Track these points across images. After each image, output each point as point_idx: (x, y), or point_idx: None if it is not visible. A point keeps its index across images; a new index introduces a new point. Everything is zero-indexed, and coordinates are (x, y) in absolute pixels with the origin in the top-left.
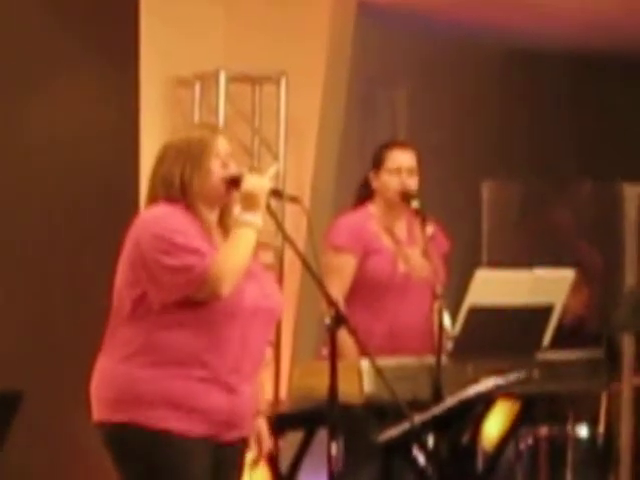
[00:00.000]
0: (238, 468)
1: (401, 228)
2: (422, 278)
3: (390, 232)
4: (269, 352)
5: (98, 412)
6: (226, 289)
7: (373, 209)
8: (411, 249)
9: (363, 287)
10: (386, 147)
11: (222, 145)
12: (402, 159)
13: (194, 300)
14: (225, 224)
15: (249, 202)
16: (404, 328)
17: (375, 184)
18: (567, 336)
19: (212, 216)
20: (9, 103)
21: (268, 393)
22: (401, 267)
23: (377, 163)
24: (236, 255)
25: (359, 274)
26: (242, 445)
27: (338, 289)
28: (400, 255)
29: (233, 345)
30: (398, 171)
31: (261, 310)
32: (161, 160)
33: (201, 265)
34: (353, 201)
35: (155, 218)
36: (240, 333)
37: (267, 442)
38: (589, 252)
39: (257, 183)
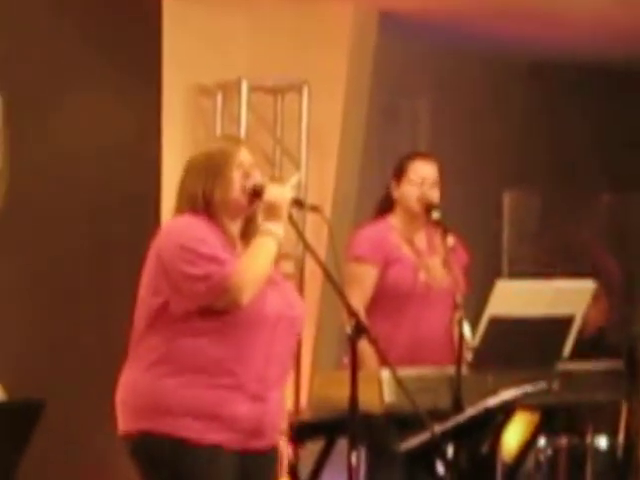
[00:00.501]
0: (269, 477)
1: (421, 239)
2: (443, 288)
3: (410, 243)
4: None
5: (123, 422)
6: (246, 298)
7: (393, 220)
8: (431, 259)
9: (384, 297)
10: (408, 158)
11: (244, 156)
12: (424, 171)
13: (215, 309)
14: (248, 235)
15: (271, 212)
16: (425, 338)
17: (396, 194)
18: (587, 347)
19: (235, 227)
20: (34, 114)
21: (289, 402)
22: (422, 277)
23: (399, 174)
24: (257, 264)
25: (380, 284)
26: (272, 454)
27: (359, 299)
28: (421, 265)
29: (257, 353)
30: (420, 182)
31: (284, 318)
32: (185, 175)
33: (221, 273)
34: (374, 212)
35: (177, 228)
36: (264, 341)
37: (285, 456)
38: (609, 263)
39: (279, 193)
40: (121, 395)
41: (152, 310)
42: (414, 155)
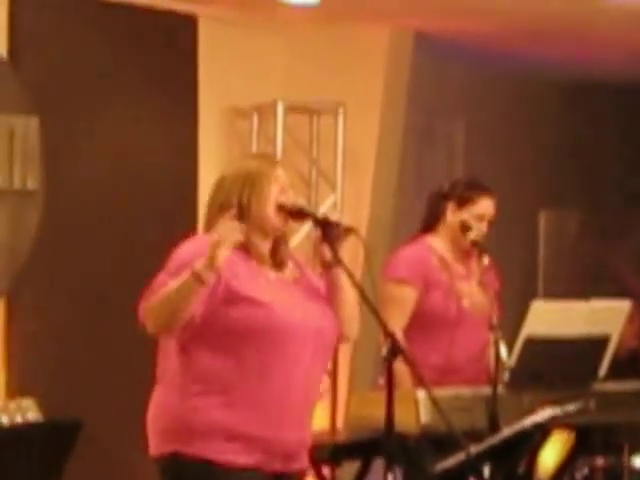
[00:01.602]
0: None
1: (459, 262)
2: (479, 310)
3: (450, 265)
4: (326, 381)
5: (153, 444)
6: (149, 327)
7: (434, 241)
8: (468, 282)
9: (421, 320)
10: (477, 190)
11: (280, 173)
12: (491, 209)
13: (241, 328)
14: (278, 255)
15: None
16: (460, 361)
17: (451, 217)
18: (621, 367)
19: (265, 245)
20: (70, 136)
21: (325, 422)
22: (460, 301)
23: (462, 201)
24: (170, 299)
25: (418, 307)
26: (299, 476)
27: (397, 321)
28: (459, 289)
29: (281, 373)
30: (482, 219)
31: (311, 337)
32: (219, 188)
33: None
34: (420, 229)
35: (185, 244)
36: (290, 360)
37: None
38: (637, 284)
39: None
40: (150, 417)
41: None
42: (483, 189)
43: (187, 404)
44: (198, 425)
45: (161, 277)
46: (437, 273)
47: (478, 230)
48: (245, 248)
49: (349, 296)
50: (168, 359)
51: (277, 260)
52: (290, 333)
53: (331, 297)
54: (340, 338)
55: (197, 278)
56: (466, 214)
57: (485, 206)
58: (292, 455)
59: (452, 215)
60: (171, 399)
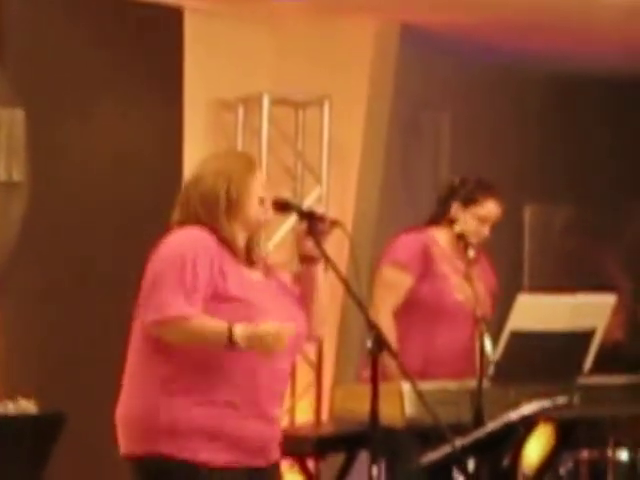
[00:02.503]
0: None
1: (459, 258)
2: (470, 304)
3: (450, 260)
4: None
5: (125, 444)
6: (167, 339)
7: (438, 234)
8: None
9: (416, 310)
10: (485, 191)
11: (260, 172)
12: (494, 212)
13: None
14: (250, 249)
15: (252, 336)
16: (447, 352)
17: (456, 215)
18: (606, 359)
19: (241, 237)
20: (55, 128)
21: (310, 415)
22: (456, 295)
23: (468, 200)
24: (197, 337)
25: (413, 296)
26: (275, 469)
27: (390, 304)
28: (457, 283)
29: (264, 370)
30: (484, 220)
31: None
32: (199, 181)
33: (171, 313)
34: (425, 222)
35: (174, 244)
36: (270, 358)
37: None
38: (620, 279)
39: (272, 332)
40: (123, 415)
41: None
42: (491, 191)
43: (166, 403)
44: (176, 423)
45: (174, 294)
46: (436, 264)
47: (479, 232)
48: (229, 244)
49: (323, 296)
50: (138, 355)
51: (250, 258)
52: None
53: (306, 295)
54: (310, 338)
55: (231, 342)
56: (470, 214)
57: (489, 208)
58: (269, 450)
59: (456, 212)
60: (145, 398)
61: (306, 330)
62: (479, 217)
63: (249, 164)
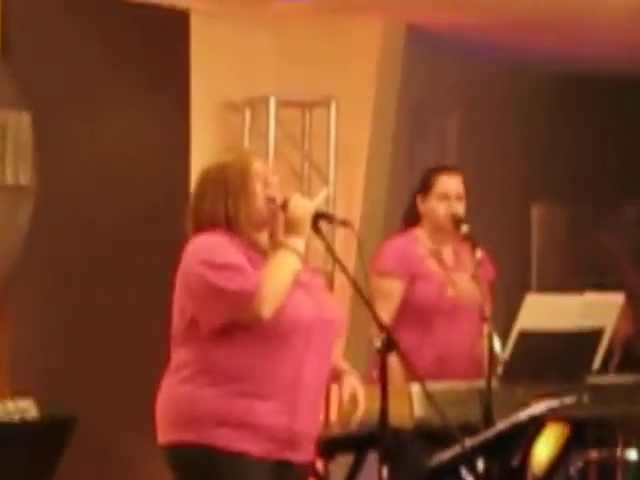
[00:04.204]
0: None
1: (448, 253)
2: (470, 303)
3: (437, 256)
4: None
5: (161, 433)
6: (267, 313)
7: (420, 233)
8: (459, 274)
9: (411, 312)
10: (434, 172)
11: (259, 165)
12: (450, 185)
13: (239, 323)
14: (276, 244)
15: (293, 226)
16: (452, 353)
17: (422, 208)
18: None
19: (262, 237)
20: (61, 132)
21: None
22: (449, 292)
23: (425, 187)
24: (277, 279)
25: (407, 299)
26: (306, 468)
27: (385, 314)
28: (448, 280)
29: (291, 363)
30: (447, 197)
31: (318, 323)
32: (200, 192)
33: (245, 287)
34: (400, 225)
35: (201, 246)
36: (297, 349)
37: (362, 399)
38: (631, 275)
39: (301, 207)
40: (158, 406)
41: (181, 327)
42: (439, 169)
43: (194, 394)
44: (201, 414)
45: (228, 280)
46: (423, 264)
47: (449, 208)
48: (252, 247)
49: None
50: (175, 351)
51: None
52: (297, 321)
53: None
54: None
55: (297, 254)
56: (433, 200)
57: (444, 183)
58: (297, 444)
59: (423, 206)
60: (179, 390)
61: (340, 320)
62: (439, 196)
63: (243, 168)
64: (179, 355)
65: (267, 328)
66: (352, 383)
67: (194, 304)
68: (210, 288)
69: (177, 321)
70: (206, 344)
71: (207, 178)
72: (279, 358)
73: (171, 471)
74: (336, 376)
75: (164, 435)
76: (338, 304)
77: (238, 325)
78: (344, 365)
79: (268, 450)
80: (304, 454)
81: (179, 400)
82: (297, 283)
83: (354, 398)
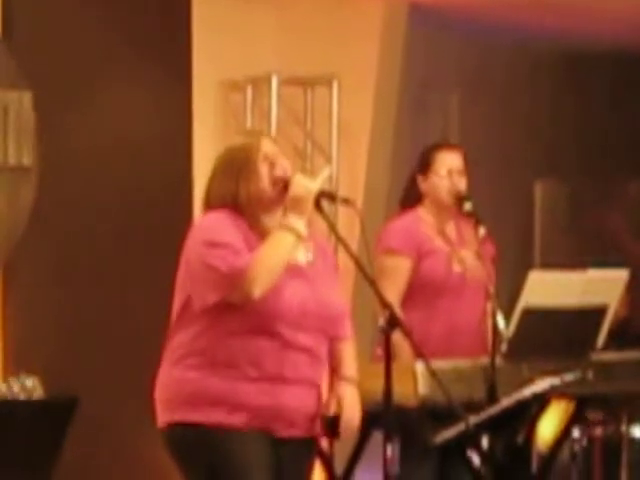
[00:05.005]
0: (301, 466)
1: (451, 230)
2: (476, 279)
3: (442, 234)
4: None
5: (158, 415)
6: (258, 291)
7: (422, 212)
8: (463, 251)
9: (418, 289)
10: (434, 149)
11: (267, 146)
12: (451, 161)
13: (229, 302)
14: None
15: (295, 205)
16: (458, 330)
17: (423, 187)
18: (611, 338)
19: (271, 220)
20: (63, 110)
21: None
22: (456, 268)
23: (425, 165)
24: (271, 258)
25: (414, 277)
26: (305, 444)
27: (393, 293)
28: (454, 256)
29: (279, 346)
30: (448, 173)
31: (310, 310)
32: (212, 175)
33: (235, 264)
34: (400, 205)
35: (202, 225)
36: (288, 333)
37: (348, 410)
38: (636, 250)
39: (303, 186)
40: (156, 389)
41: (179, 306)
42: (439, 146)
43: (183, 376)
44: (193, 395)
45: (222, 258)
46: (428, 241)
47: (454, 187)
48: (254, 229)
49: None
50: (171, 335)
51: None
52: (283, 307)
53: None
54: None
55: (295, 233)
56: (434, 177)
57: (446, 161)
58: (290, 421)
59: (424, 185)
60: (171, 372)
61: (343, 315)
62: (440, 174)
63: (252, 151)
64: (174, 338)
65: (255, 313)
66: (343, 393)
67: (190, 281)
68: (203, 265)
69: (176, 300)
70: (198, 325)
71: (219, 159)
72: (265, 343)
73: (168, 453)
74: (338, 378)
75: (160, 417)
76: (339, 290)
77: (230, 306)
78: (348, 371)
79: (261, 428)
80: (300, 430)
81: (171, 382)
82: (294, 270)
83: (339, 406)
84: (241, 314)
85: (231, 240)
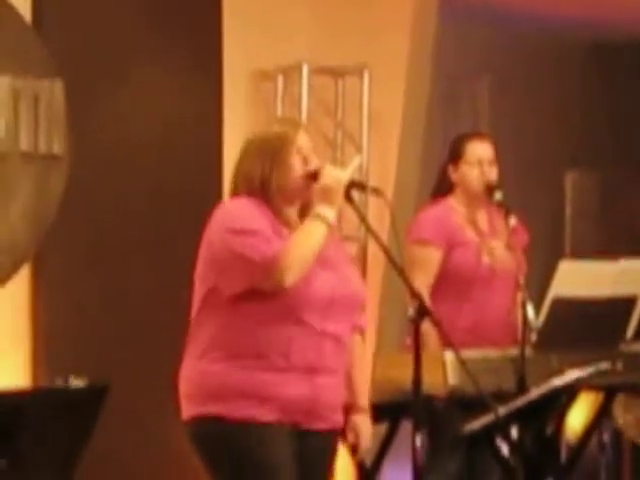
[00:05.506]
0: (326, 459)
1: (482, 220)
2: (506, 270)
3: (473, 224)
4: (359, 340)
5: (183, 408)
6: (290, 280)
7: (453, 202)
8: (494, 241)
9: (447, 280)
10: (465, 139)
11: (303, 140)
12: (482, 151)
13: (260, 290)
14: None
15: (325, 195)
16: (487, 320)
17: (454, 177)
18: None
19: (292, 211)
20: (98, 98)
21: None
22: (485, 259)
23: (456, 156)
24: (303, 247)
25: (443, 267)
26: (330, 437)
27: (423, 283)
28: (484, 247)
29: (308, 334)
30: (479, 163)
31: (338, 299)
32: (243, 157)
33: (268, 253)
34: (431, 196)
35: (227, 211)
36: (317, 322)
37: (365, 439)
38: None
39: (334, 177)
40: (180, 383)
41: (201, 297)
42: (470, 136)
43: (209, 369)
44: (220, 388)
45: (251, 245)
46: (460, 232)
47: (483, 177)
48: (278, 217)
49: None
50: (193, 327)
51: None
52: (314, 296)
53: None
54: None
55: (327, 223)
56: (465, 167)
57: (476, 150)
58: (317, 414)
59: (455, 175)
60: (195, 366)
61: (361, 294)
62: (471, 164)
63: (288, 138)
64: (197, 330)
65: (284, 301)
66: (365, 427)
67: (217, 270)
68: (232, 253)
69: (198, 290)
70: (223, 317)
71: (251, 143)
72: (295, 331)
73: (193, 447)
74: (350, 408)
75: (185, 411)
76: (360, 281)
77: (258, 296)
78: (362, 400)
79: (287, 420)
80: (326, 423)
81: (195, 375)
82: (323, 259)
83: (356, 436)
84: (270, 304)
85: (260, 227)
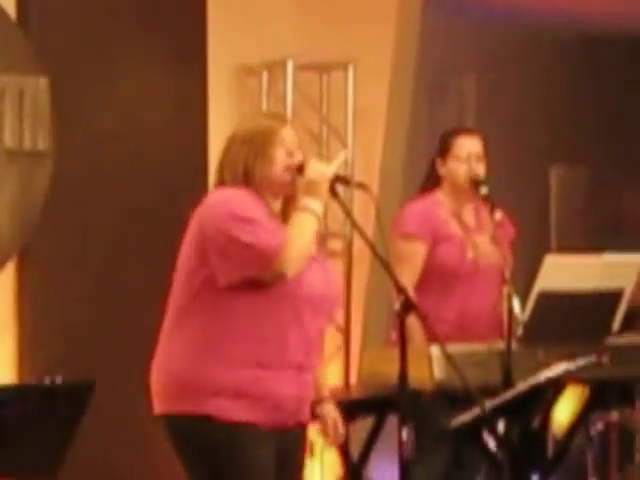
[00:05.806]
0: (300, 453)
1: (469, 214)
2: (490, 265)
3: (459, 219)
4: (336, 339)
5: (161, 403)
6: (292, 271)
7: (441, 196)
8: (480, 235)
9: (432, 274)
10: (453, 134)
11: (288, 134)
12: (469, 145)
13: (257, 281)
14: (287, 215)
15: (310, 189)
16: (472, 315)
17: (442, 171)
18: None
19: (276, 205)
20: (83, 94)
21: (339, 379)
22: (470, 254)
23: (444, 150)
24: (301, 239)
25: (428, 262)
26: (302, 430)
27: (408, 277)
28: (469, 242)
29: (292, 332)
30: (466, 158)
31: (325, 298)
32: (227, 149)
33: (271, 242)
34: (419, 190)
35: (224, 198)
36: (304, 320)
37: (340, 428)
38: None
39: (319, 170)
40: (159, 377)
41: (193, 288)
42: (458, 131)
43: (195, 365)
44: (206, 385)
45: (255, 233)
46: (444, 226)
47: (471, 171)
48: (264, 204)
49: None
50: (176, 319)
51: (287, 219)
52: (307, 293)
53: None
54: None
55: (316, 215)
56: (453, 161)
57: (465, 145)
58: (301, 411)
59: (443, 169)
60: (179, 361)
61: (339, 299)
62: (459, 158)
63: (274, 131)
64: (180, 324)
65: (270, 298)
66: (332, 414)
67: (215, 256)
68: (233, 241)
69: (180, 282)
70: (211, 314)
71: (237, 135)
72: (279, 329)
73: (170, 441)
74: (318, 401)
75: (163, 405)
76: (340, 284)
77: (252, 288)
78: (325, 392)
79: (272, 419)
80: (300, 417)
81: (181, 371)
82: (313, 259)
83: (336, 429)
84: (266, 297)
85: (259, 216)
